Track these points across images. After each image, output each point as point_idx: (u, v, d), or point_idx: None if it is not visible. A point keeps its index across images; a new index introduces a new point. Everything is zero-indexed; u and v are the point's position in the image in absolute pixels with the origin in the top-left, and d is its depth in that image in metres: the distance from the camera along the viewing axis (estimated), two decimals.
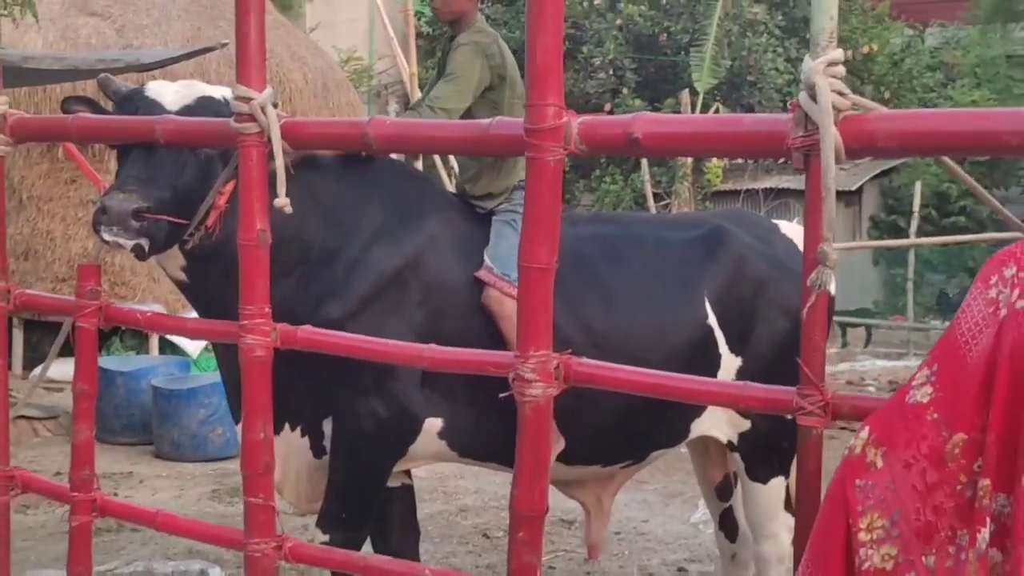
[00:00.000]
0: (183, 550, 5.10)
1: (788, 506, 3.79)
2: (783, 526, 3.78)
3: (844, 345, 13.60)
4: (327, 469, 3.56)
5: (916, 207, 14.63)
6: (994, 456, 1.83)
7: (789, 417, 2.25)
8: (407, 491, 3.99)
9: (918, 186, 14.54)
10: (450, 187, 3.96)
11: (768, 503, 3.81)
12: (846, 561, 1.95)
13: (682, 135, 2.41)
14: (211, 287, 3.31)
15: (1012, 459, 1.81)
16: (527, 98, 2.32)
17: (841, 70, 2.09)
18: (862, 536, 1.93)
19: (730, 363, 3.71)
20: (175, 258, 3.32)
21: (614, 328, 3.57)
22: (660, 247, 3.79)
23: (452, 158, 9.12)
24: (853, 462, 1.96)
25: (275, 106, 2.70)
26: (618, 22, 15.70)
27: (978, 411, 1.85)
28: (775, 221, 4.15)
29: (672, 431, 3.76)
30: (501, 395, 2.42)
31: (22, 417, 7.37)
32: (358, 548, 3.47)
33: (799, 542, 2.17)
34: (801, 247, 2.27)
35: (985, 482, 1.83)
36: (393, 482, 3.78)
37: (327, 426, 3.52)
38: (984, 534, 1.81)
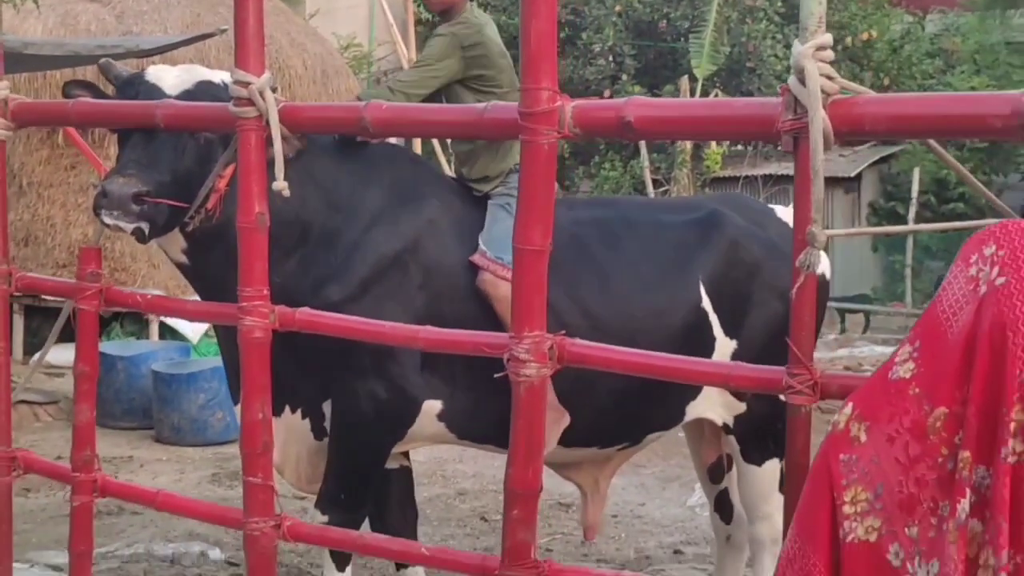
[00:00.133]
0: (183, 533, 5.15)
1: (783, 487, 3.82)
2: (777, 507, 3.80)
3: (843, 331, 13.57)
4: (327, 451, 3.60)
5: (915, 193, 14.60)
6: (974, 429, 1.86)
7: (783, 399, 2.29)
8: (405, 473, 4.03)
9: (916, 172, 14.49)
10: (450, 172, 3.98)
11: (763, 485, 3.86)
12: (832, 534, 1.99)
13: (674, 119, 2.44)
14: (212, 269, 3.35)
15: (991, 432, 1.85)
16: (521, 82, 2.36)
17: (829, 54, 2.11)
18: (846, 509, 1.97)
19: (725, 346, 3.75)
20: (176, 241, 3.36)
21: (610, 311, 3.61)
22: (656, 231, 3.82)
23: (451, 143, 9.12)
24: (837, 437, 2.00)
25: (273, 91, 2.73)
26: (617, 8, 15.64)
27: (959, 385, 1.89)
28: (770, 205, 4.19)
29: (668, 414, 3.80)
30: (496, 375, 2.45)
31: (23, 402, 7.41)
32: (356, 528, 3.51)
33: (788, 518, 2.21)
34: None
35: (965, 454, 1.87)
36: (392, 464, 3.82)
37: (327, 408, 3.56)
38: (964, 505, 1.85)
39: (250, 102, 2.70)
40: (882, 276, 16.23)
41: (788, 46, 15.19)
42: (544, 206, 2.39)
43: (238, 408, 3.08)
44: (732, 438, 3.86)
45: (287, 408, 3.56)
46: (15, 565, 3.69)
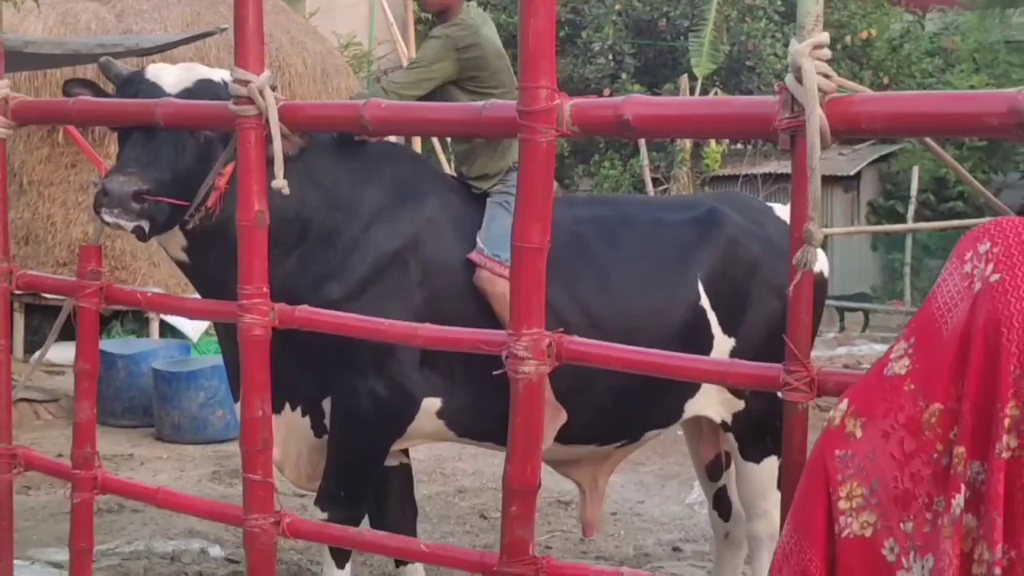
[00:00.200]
0: (183, 530, 5.15)
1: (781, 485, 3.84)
2: (775, 504, 3.78)
3: (842, 330, 13.56)
4: (327, 448, 3.61)
5: (914, 192, 14.57)
6: (969, 425, 1.88)
7: (782, 397, 2.30)
8: (405, 470, 4.04)
9: (916, 171, 14.44)
10: (450, 170, 3.99)
11: (761, 482, 3.87)
12: (828, 529, 2.01)
13: (672, 117, 2.46)
14: (212, 267, 3.36)
15: (986, 428, 1.86)
16: (519, 80, 2.37)
17: (826, 53, 2.13)
18: (842, 504, 1.98)
19: (723, 344, 3.76)
20: (176, 239, 3.37)
21: (609, 309, 3.61)
22: (655, 229, 3.82)
23: (450, 141, 9.14)
24: (833, 433, 2.01)
25: (273, 89, 2.73)
26: (617, 7, 15.65)
27: (953, 382, 1.91)
28: (769, 203, 4.19)
29: (666, 411, 3.81)
30: (495, 372, 2.46)
31: (24, 400, 7.42)
32: (356, 526, 3.52)
33: (785, 514, 2.22)
34: None
35: (960, 450, 1.88)
36: (391, 461, 3.83)
37: (327, 405, 3.57)
38: (959, 500, 1.87)
39: (250, 100, 2.71)
40: (881, 275, 16.23)
41: (788, 45, 15.16)
42: (542, 204, 2.39)
43: (238, 406, 3.09)
44: (730, 435, 3.87)
45: (287, 405, 3.57)
46: (16, 562, 3.70)
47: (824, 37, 2.14)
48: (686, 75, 13.85)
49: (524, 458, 2.47)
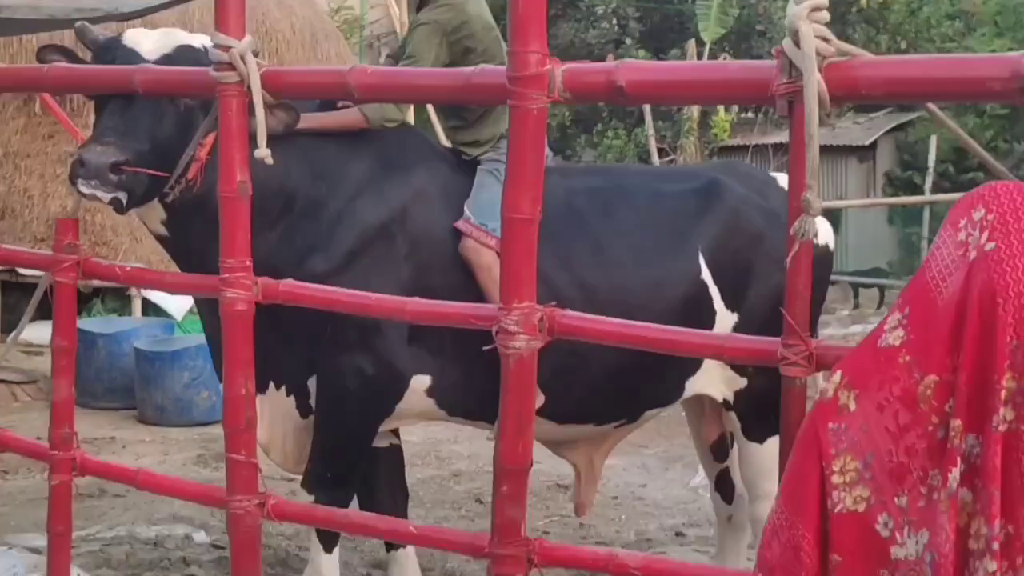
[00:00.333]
0: (167, 515, 5.07)
1: None
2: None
3: (856, 307, 13.25)
4: (313, 429, 3.55)
5: (932, 163, 14.06)
6: (964, 397, 1.86)
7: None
8: (395, 452, 3.98)
9: (934, 140, 13.95)
10: (445, 142, 3.91)
11: (764, 462, 3.75)
12: (820, 504, 1.97)
13: (667, 82, 2.39)
14: (193, 241, 3.28)
15: (982, 400, 1.85)
16: (509, 45, 2.30)
17: (825, 15, 2.08)
18: (835, 479, 1.95)
19: (726, 319, 3.68)
20: (155, 212, 3.29)
21: (606, 283, 3.54)
22: (653, 200, 3.75)
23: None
24: (825, 405, 1.98)
25: (256, 55, 2.66)
26: None
27: (949, 353, 1.89)
28: (773, 173, 4.08)
29: (666, 389, 3.74)
30: (485, 348, 2.40)
31: (0, 381, 7.33)
32: (344, 508, 3.46)
33: None
34: None
35: (956, 423, 1.86)
36: (381, 442, 3.76)
37: (312, 384, 3.51)
38: (955, 474, 1.85)
39: (231, 67, 2.63)
40: (898, 249, 15.83)
41: None
42: (533, 173, 2.33)
43: (223, 386, 3.02)
44: (733, 415, 3.80)
45: (271, 385, 3.50)
46: None
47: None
48: (693, 40, 13.60)
49: (515, 436, 2.42)
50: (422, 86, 2.73)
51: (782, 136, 14.93)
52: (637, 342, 2.53)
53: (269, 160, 2.71)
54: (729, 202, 3.72)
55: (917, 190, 14.82)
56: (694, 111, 13.35)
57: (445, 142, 4.12)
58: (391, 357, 3.44)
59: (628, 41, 15.03)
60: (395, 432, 3.91)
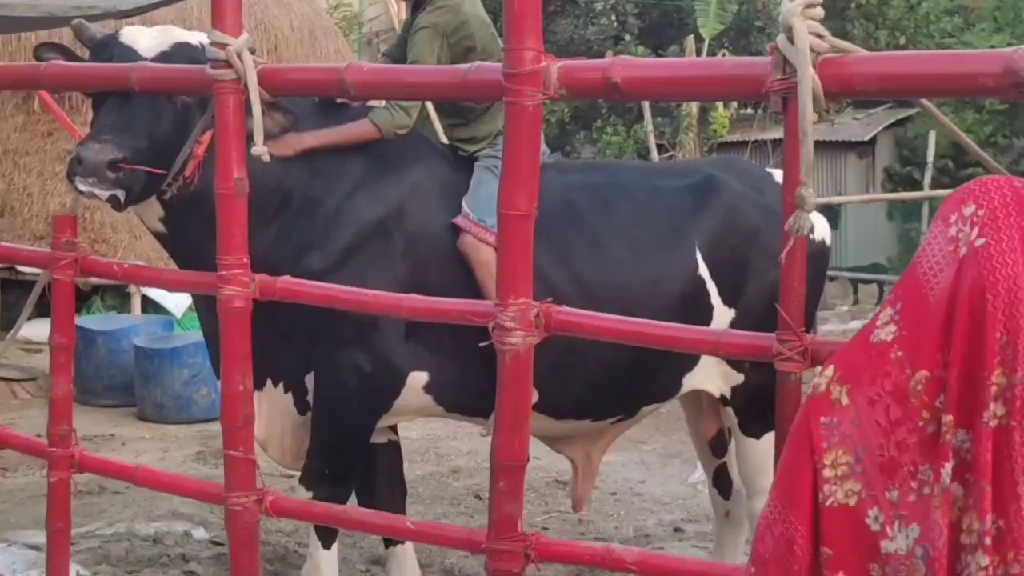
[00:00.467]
0: (166, 512, 5.08)
1: None
2: None
3: (856, 303, 13.24)
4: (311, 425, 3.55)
5: (931, 158, 14.01)
6: (955, 393, 1.87)
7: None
8: (394, 448, 3.98)
9: (933, 136, 13.90)
10: (444, 139, 3.91)
11: (761, 459, 3.75)
12: (813, 498, 1.98)
13: (662, 79, 2.40)
14: (191, 238, 3.28)
15: (972, 396, 1.86)
16: (505, 42, 2.31)
17: (819, 12, 2.09)
18: (826, 472, 1.96)
19: (723, 315, 3.69)
20: (153, 209, 3.29)
21: (603, 279, 3.54)
22: (650, 196, 3.75)
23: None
24: (817, 400, 1.99)
25: (252, 52, 2.66)
26: None
27: (940, 349, 1.90)
28: (769, 169, 4.09)
29: (663, 385, 3.75)
30: (481, 344, 2.41)
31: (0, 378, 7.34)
32: (342, 504, 3.46)
33: None
34: None
35: (948, 418, 1.88)
36: (379, 438, 3.77)
37: (310, 381, 3.51)
38: (947, 469, 1.86)
39: (228, 64, 2.64)
40: (897, 245, 15.77)
41: None
42: (529, 169, 2.34)
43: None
44: (730, 410, 3.80)
45: (269, 381, 3.51)
46: None
47: None
48: (692, 36, 13.57)
49: (512, 432, 2.42)
50: (418, 83, 2.74)
51: (781, 132, 14.89)
52: (634, 338, 2.54)
53: (266, 157, 2.72)
54: (726, 198, 3.72)
55: (916, 186, 14.81)
56: (693, 107, 13.32)
57: (443, 139, 4.11)
58: (388, 353, 3.44)
59: (627, 37, 14.98)
60: (393, 428, 3.91)
